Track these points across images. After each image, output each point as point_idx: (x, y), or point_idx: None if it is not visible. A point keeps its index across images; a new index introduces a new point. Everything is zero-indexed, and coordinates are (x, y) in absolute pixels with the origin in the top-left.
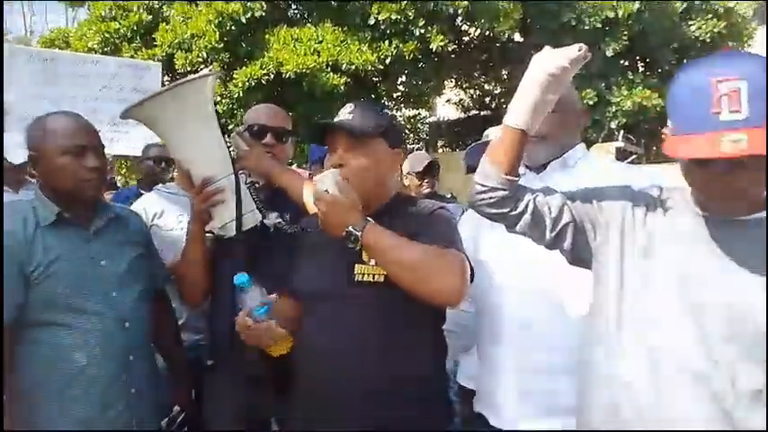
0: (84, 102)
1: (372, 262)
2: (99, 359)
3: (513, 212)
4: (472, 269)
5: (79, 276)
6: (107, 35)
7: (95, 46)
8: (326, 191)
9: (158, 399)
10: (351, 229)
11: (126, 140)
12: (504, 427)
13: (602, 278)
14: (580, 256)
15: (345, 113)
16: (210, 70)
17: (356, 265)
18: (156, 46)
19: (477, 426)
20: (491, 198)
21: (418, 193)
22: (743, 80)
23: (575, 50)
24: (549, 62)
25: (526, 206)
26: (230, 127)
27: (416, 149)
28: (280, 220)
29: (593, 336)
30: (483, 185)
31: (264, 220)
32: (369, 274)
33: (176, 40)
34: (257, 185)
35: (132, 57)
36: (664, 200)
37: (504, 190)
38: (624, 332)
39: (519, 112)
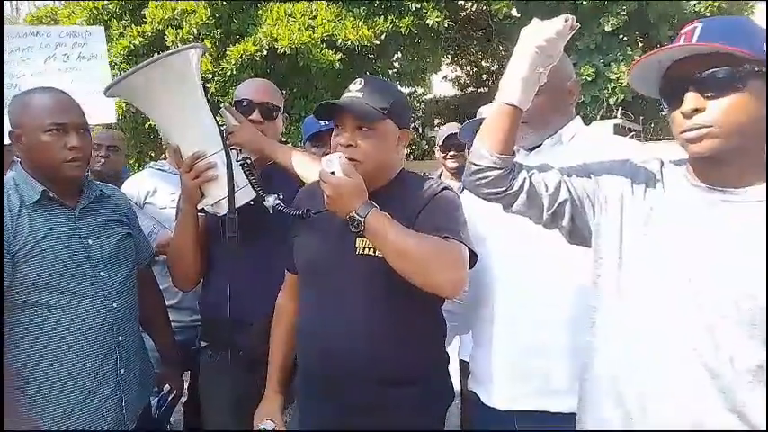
0: (32, 76)
1: None
2: (87, 341)
3: (509, 192)
4: (474, 254)
5: (65, 256)
6: (95, 12)
7: (84, 23)
8: (332, 173)
9: (147, 378)
10: (354, 214)
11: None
12: (495, 406)
13: (601, 255)
14: (579, 233)
15: (355, 90)
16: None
17: (358, 239)
18: (145, 22)
19: (471, 403)
20: (485, 177)
21: (445, 167)
22: (700, 23)
23: (561, 22)
24: (535, 35)
25: (522, 185)
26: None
27: (412, 127)
28: (279, 202)
29: (593, 314)
30: (477, 165)
31: (264, 203)
32: (370, 248)
33: (166, 17)
34: (249, 161)
35: (122, 34)
36: (663, 173)
37: (498, 169)
38: (623, 309)
39: (509, 87)
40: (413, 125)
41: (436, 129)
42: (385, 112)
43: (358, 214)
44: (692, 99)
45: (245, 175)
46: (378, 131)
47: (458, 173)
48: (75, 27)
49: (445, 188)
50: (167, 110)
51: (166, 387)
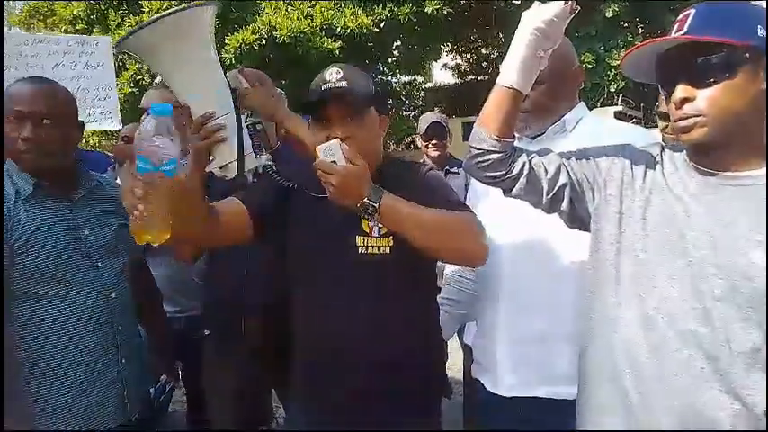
0: None
1: (374, 233)
2: (87, 331)
3: (509, 176)
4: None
5: (63, 247)
6: (93, 2)
7: (80, 13)
8: (334, 162)
9: (147, 368)
10: (366, 200)
11: (90, 114)
12: (500, 393)
13: (600, 240)
14: (578, 217)
15: (336, 80)
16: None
17: (357, 238)
18: (143, 12)
19: (475, 391)
20: (485, 161)
21: (427, 155)
22: (693, 10)
23: (560, 4)
24: (535, 17)
25: (521, 168)
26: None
27: (412, 116)
28: (271, 163)
29: (592, 299)
30: (476, 149)
31: (256, 157)
32: (371, 246)
33: (164, 7)
34: (260, 126)
35: (119, 24)
36: (663, 158)
37: (498, 152)
38: (622, 293)
39: (508, 70)
40: (412, 114)
41: None
42: (371, 100)
43: (371, 200)
44: (681, 89)
45: (250, 138)
46: (365, 119)
47: (439, 161)
48: (84, 36)
49: (431, 168)
50: (177, 67)
51: (163, 377)
